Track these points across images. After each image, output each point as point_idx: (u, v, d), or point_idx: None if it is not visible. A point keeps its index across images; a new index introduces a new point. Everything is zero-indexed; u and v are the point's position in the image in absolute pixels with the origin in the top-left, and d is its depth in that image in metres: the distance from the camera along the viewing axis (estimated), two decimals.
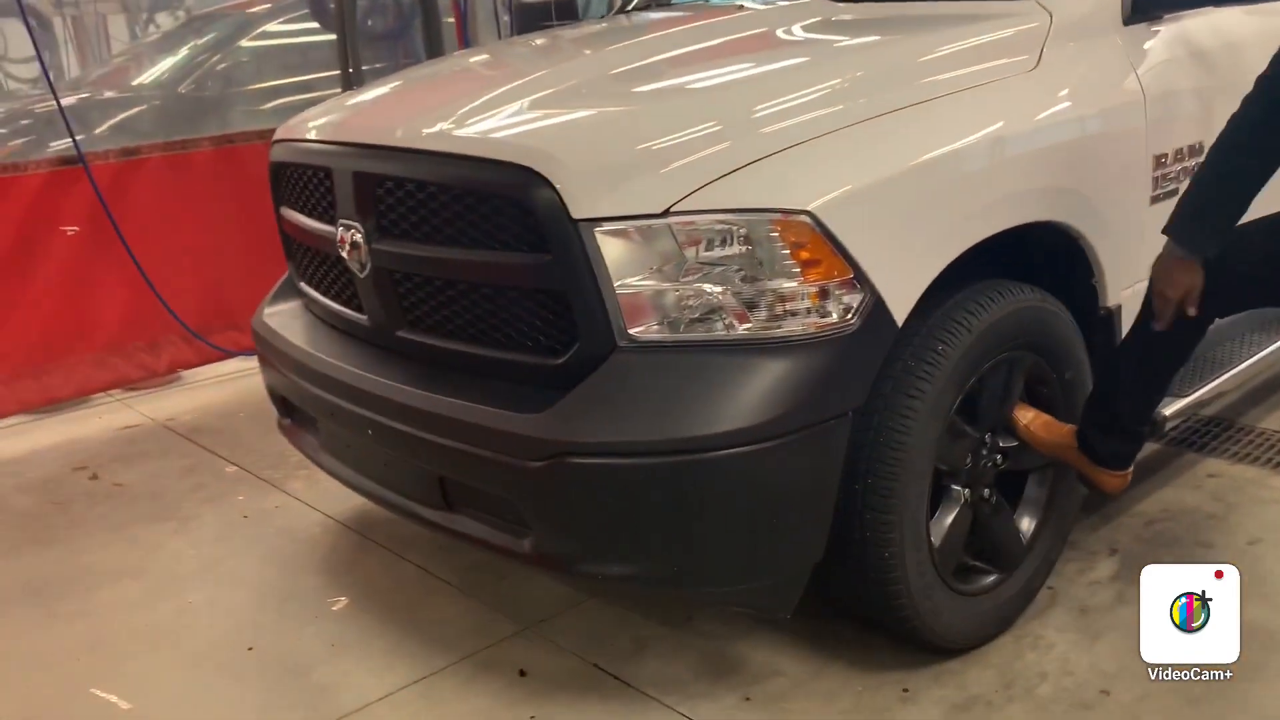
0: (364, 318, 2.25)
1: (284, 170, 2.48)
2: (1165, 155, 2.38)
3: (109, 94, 5.64)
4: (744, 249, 1.83)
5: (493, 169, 1.94)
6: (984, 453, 2.19)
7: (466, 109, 2.16)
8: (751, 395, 1.81)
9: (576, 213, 1.83)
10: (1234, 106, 2.60)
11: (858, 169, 1.91)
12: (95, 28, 7.42)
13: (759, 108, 2.01)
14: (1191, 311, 2.01)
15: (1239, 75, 2.61)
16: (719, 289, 1.84)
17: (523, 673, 2.25)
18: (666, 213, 1.82)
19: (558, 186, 1.84)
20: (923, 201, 1.95)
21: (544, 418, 1.86)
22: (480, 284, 2.00)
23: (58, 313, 3.88)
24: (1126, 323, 2.28)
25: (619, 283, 1.85)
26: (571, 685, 2.21)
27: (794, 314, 1.84)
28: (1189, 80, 2.47)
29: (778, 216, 1.82)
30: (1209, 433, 3.14)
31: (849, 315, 1.85)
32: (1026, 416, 2.23)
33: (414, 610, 2.51)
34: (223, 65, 5.65)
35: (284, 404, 2.57)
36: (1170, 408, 2.54)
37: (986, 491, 2.21)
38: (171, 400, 4.02)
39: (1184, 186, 2.42)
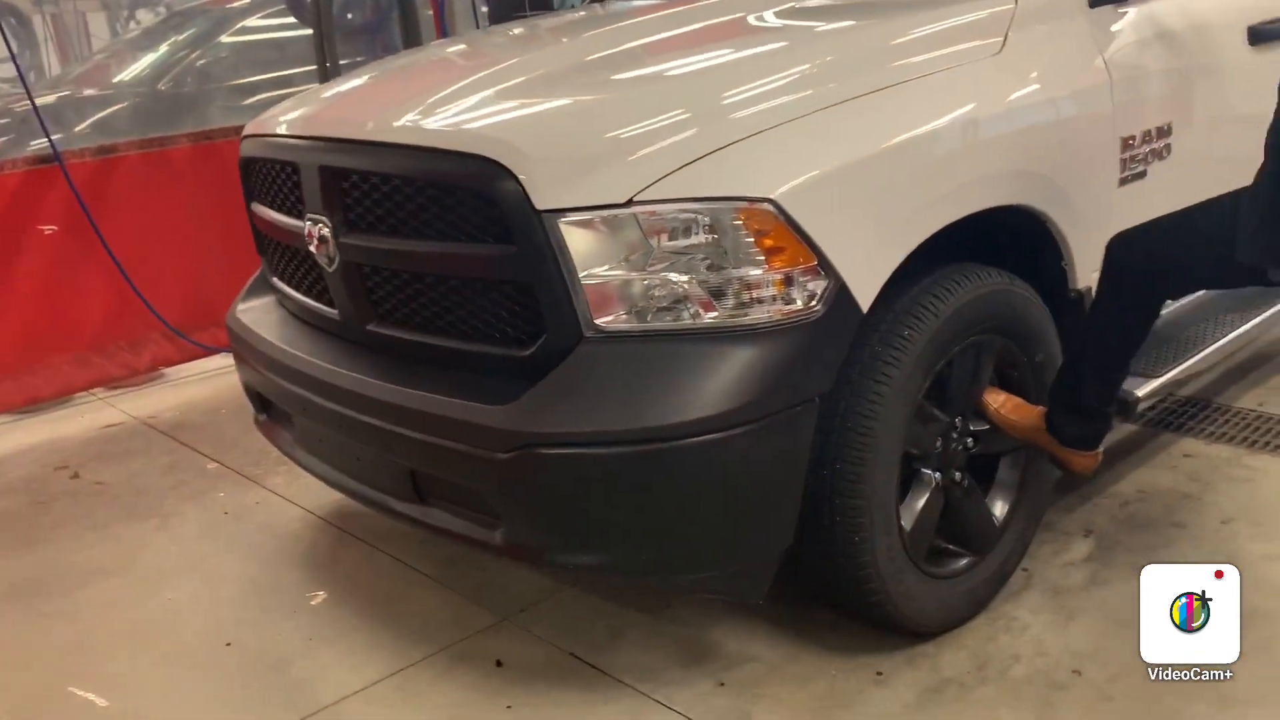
0: (334, 312, 2.25)
1: (253, 165, 2.48)
2: (1133, 137, 2.39)
3: (89, 91, 5.63)
4: (709, 238, 1.83)
5: (456, 161, 1.94)
6: (954, 436, 2.20)
7: (432, 101, 2.16)
8: (718, 383, 1.81)
9: (540, 204, 1.83)
10: (1201, 87, 2.62)
11: (822, 155, 1.91)
12: (75, 25, 7.40)
13: (727, 95, 2.01)
14: None
15: (1206, 56, 2.63)
16: (685, 278, 1.84)
17: (499, 663, 2.26)
18: (630, 202, 1.82)
19: (521, 177, 1.84)
20: (886, 187, 1.95)
21: (512, 409, 1.86)
22: (447, 277, 2.00)
23: (38, 313, 3.89)
24: None
25: (585, 273, 1.85)
26: (548, 674, 2.22)
27: (759, 302, 1.85)
28: (1156, 62, 2.47)
29: (742, 205, 1.82)
30: (1185, 413, 3.15)
31: (813, 302, 1.85)
32: (997, 400, 2.24)
33: (392, 603, 2.52)
34: (202, 61, 5.63)
35: (259, 400, 2.58)
36: (1143, 388, 2.55)
37: (958, 475, 2.22)
38: (154, 398, 4.02)
39: (1152, 169, 2.44)
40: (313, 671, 2.29)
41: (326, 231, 2.13)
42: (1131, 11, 2.44)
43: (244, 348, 2.51)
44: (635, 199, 1.82)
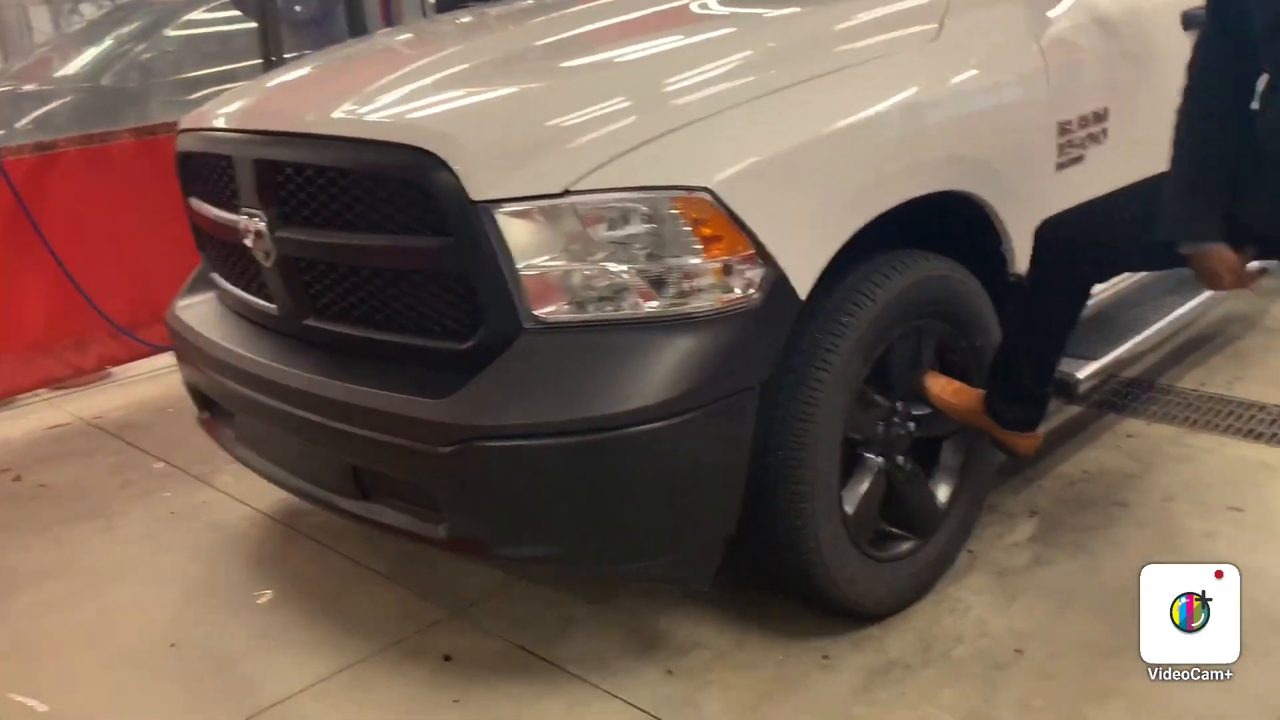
0: (273, 307, 2.23)
1: (189, 160, 2.45)
2: (1070, 122, 2.41)
3: (29, 87, 5.51)
4: (647, 227, 1.83)
5: (390, 152, 1.92)
6: (896, 421, 2.22)
7: (369, 91, 2.14)
8: (658, 372, 1.81)
9: (476, 194, 1.81)
10: (1137, 72, 2.65)
11: (760, 143, 1.92)
12: (17, 19, 7.25)
13: (668, 82, 2.01)
14: (1252, 288, 1.98)
15: (1141, 42, 2.66)
16: (624, 268, 1.84)
17: (448, 658, 2.25)
18: (566, 192, 1.81)
19: (455, 168, 1.82)
20: (824, 174, 1.96)
21: (451, 402, 1.85)
22: (384, 269, 1.98)
23: None
24: None
25: (523, 264, 1.84)
26: (497, 667, 2.21)
27: (698, 291, 1.84)
28: (1092, 47, 2.50)
29: (679, 194, 1.82)
30: (1129, 394, 3.20)
31: (751, 290, 1.86)
32: (938, 384, 2.26)
33: (341, 600, 2.50)
34: (146, 56, 5.53)
35: (201, 398, 2.54)
36: (1084, 370, 2.59)
37: (901, 459, 2.24)
38: (100, 398, 3.95)
39: (1089, 153, 2.47)
40: (260, 669, 2.27)
41: (262, 226, 2.10)
42: None
43: (184, 345, 2.48)
44: (572, 189, 1.81)
